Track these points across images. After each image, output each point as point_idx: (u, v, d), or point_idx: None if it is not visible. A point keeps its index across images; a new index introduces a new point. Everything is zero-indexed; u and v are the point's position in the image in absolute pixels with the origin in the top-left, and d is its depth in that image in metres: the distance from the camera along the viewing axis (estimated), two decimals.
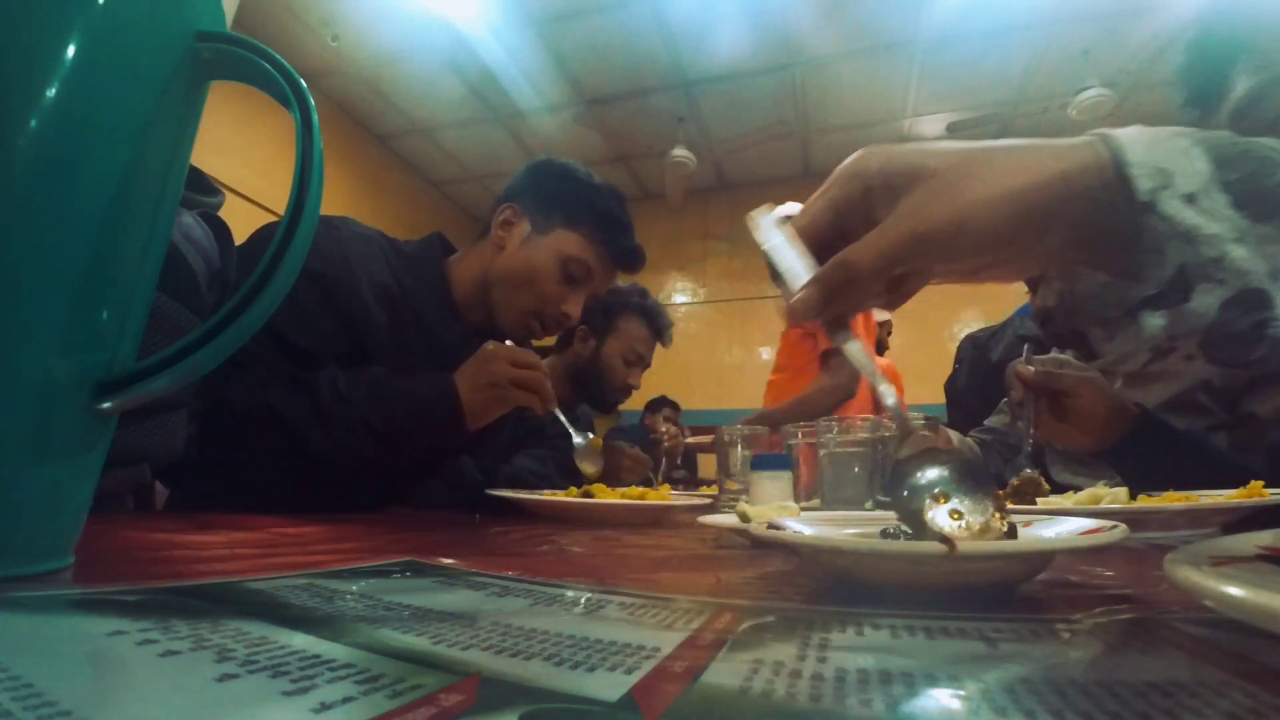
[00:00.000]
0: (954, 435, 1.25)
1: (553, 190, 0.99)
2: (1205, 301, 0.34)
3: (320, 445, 0.71)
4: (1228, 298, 0.34)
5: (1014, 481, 0.78)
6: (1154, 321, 0.36)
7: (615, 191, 1.03)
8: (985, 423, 1.38)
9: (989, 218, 0.34)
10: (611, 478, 1.28)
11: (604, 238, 0.99)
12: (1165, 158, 0.34)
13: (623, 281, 1.53)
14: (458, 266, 0.99)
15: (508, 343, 0.83)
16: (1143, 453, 0.83)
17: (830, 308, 0.36)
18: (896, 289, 0.39)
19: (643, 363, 1.65)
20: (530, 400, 0.80)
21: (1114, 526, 0.31)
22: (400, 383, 0.76)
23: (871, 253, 0.35)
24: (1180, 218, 0.33)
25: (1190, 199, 0.33)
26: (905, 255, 0.35)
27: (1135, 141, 0.35)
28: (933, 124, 3.91)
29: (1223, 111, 0.68)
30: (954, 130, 3.80)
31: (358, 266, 0.83)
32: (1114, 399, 0.84)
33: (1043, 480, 0.78)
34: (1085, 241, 0.36)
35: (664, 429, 2.03)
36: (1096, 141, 0.35)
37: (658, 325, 1.66)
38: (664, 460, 1.93)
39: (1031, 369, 0.86)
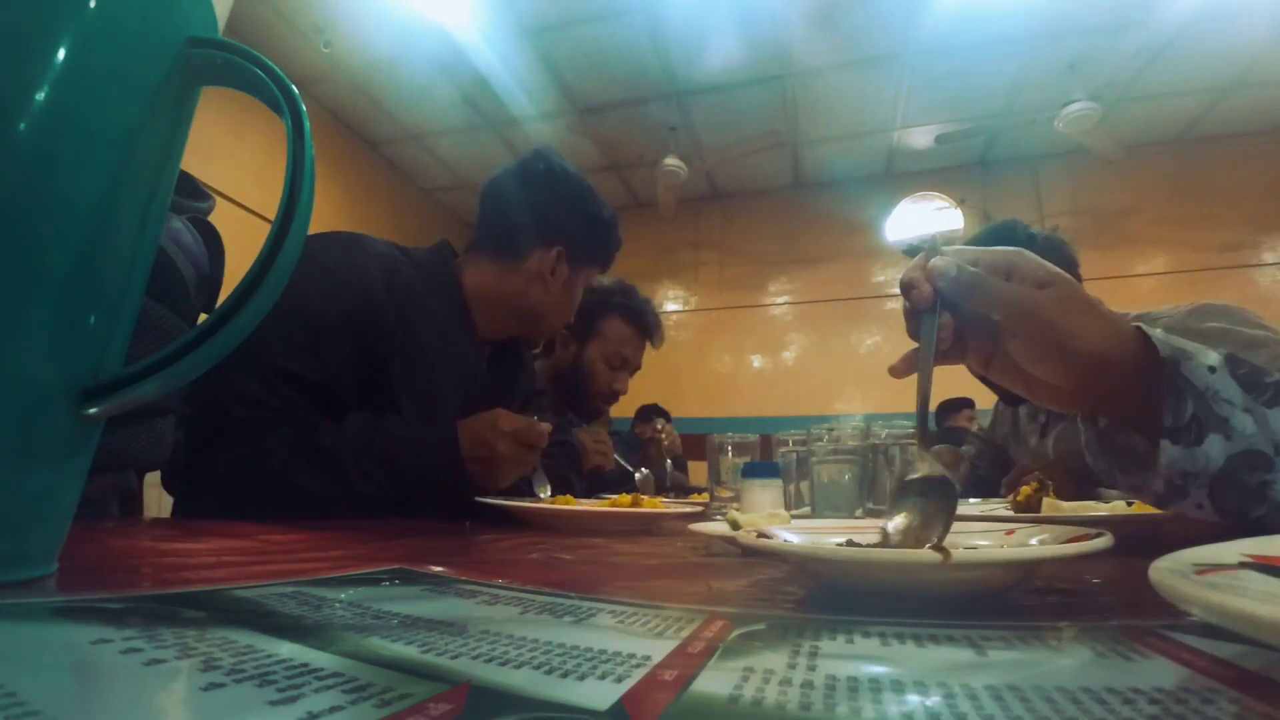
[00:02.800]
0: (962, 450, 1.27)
1: (589, 232, 1.03)
2: (1215, 448, 0.41)
3: (339, 513, 0.74)
4: (1234, 452, 0.41)
5: (1025, 488, 0.79)
6: (1171, 451, 0.42)
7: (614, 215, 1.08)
8: (960, 450, 1.48)
9: (1069, 321, 0.43)
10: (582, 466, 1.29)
11: (606, 266, 1.11)
12: (1182, 344, 0.43)
13: (606, 280, 1.50)
14: (469, 275, 0.98)
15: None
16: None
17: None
18: (962, 343, 0.48)
19: (629, 366, 1.57)
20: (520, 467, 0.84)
21: (1099, 534, 0.31)
22: (411, 452, 0.78)
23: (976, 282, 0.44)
24: (1200, 381, 0.42)
25: (1211, 369, 0.42)
26: (997, 306, 0.44)
27: (1155, 332, 0.44)
28: (922, 135, 3.95)
29: None
30: (942, 142, 3.83)
31: (377, 283, 0.83)
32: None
33: (1049, 486, 0.79)
34: (1128, 390, 0.44)
35: (661, 427, 2.00)
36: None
37: (644, 324, 1.58)
38: (669, 462, 1.92)
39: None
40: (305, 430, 0.76)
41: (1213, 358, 0.42)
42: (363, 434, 0.77)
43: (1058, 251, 1.17)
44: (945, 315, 0.44)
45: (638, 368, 1.60)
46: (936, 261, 0.44)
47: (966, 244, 1.21)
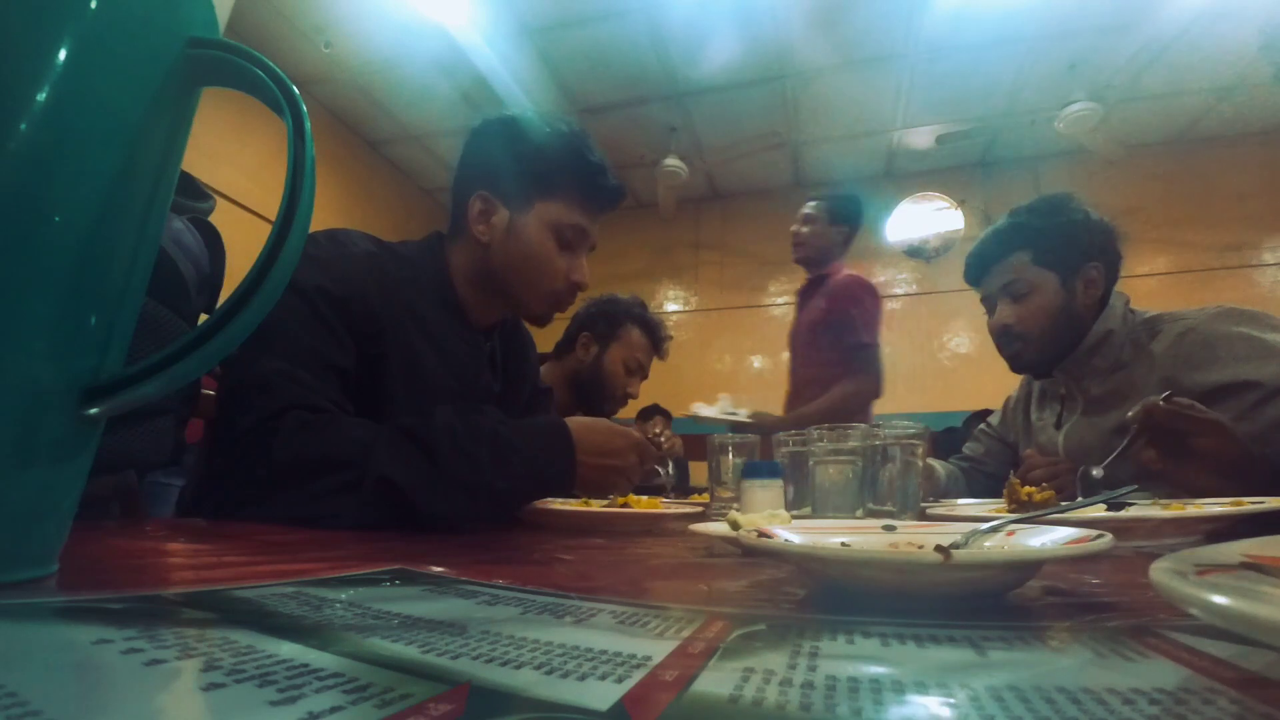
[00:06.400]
0: (937, 465, 1.31)
1: (512, 163, 0.88)
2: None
3: (433, 509, 0.65)
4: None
5: (1030, 489, 0.79)
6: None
7: (573, 132, 0.91)
8: (964, 449, 1.43)
9: None
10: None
11: (584, 192, 0.90)
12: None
13: (624, 294, 1.68)
14: (451, 264, 0.92)
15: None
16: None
17: None
18: None
19: (642, 372, 1.69)
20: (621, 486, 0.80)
21: (1100, 535, 0.31)
22: (519, 440, 0.70)
23: None
24: None
25: None
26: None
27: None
28: (922, 136, 3.95)
29: None
30: (942, 142, 3.84)
31: (368, 280, 0.79)
32: (1243, 445, 0.81)
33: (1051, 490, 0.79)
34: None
35: (663, 433, 2.09)
36: None
37: (656, 336, 1.72)
38: (670, 464, 1.97)
39: (1163, 402, 0.84)
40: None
41: None
42: (460, 418, 0.69)
43: (1106, 236, 1.19)
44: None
45: (646, 376, 1.73)
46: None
47: (1012, 215, 1.27)
